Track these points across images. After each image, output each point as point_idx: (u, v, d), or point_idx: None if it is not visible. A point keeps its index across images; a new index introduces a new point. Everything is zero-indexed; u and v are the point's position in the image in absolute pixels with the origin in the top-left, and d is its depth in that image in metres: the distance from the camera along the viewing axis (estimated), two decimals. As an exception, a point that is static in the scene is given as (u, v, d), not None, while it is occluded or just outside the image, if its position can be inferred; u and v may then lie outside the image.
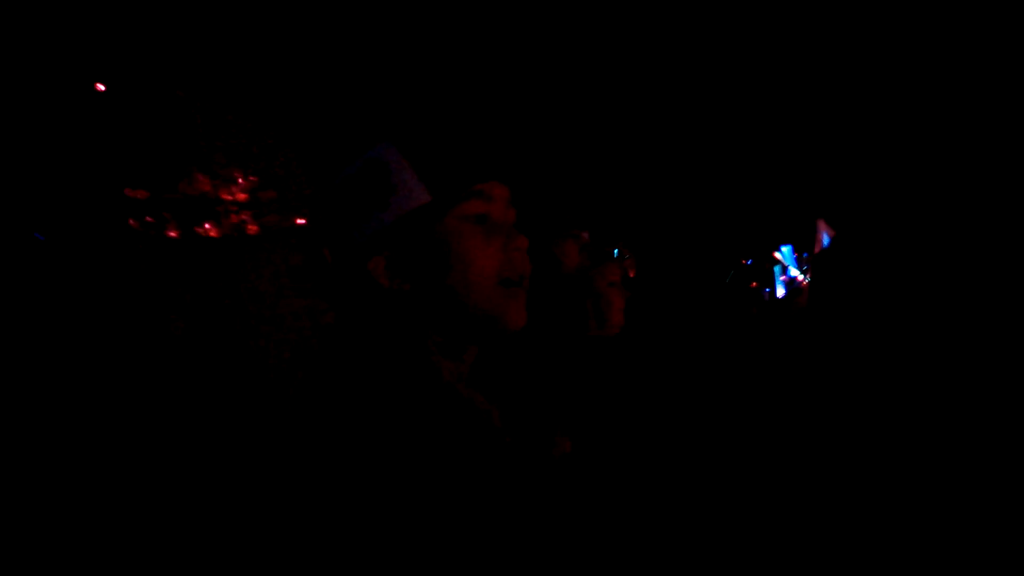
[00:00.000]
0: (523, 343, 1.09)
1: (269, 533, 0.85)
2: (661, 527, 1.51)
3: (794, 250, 6.49)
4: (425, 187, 0.95)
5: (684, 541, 1.54)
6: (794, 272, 6.26)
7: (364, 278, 0.97)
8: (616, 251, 1.98)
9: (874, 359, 1.57)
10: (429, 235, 0.96)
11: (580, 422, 1.17)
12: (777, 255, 6.74)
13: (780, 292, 5.78)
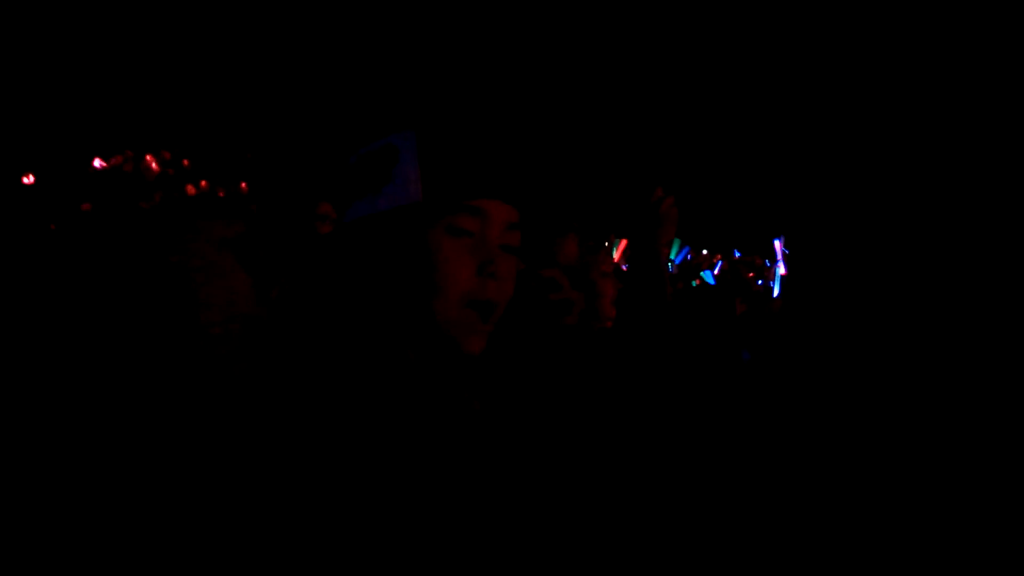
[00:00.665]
0: (515, 336, 1.07)
1: (229, 522, 0.82)
2: (653, 522, 1.50)
3: (783, 244, 6.54)
4: (421, 187, 0.92)
5: (678, 537, 1.54)
6: (780, 268, 6.31)
7: (341, 259, 0.95)
8: (612, 241, 1.97)
9: (850, 355, 1.57)
10: (409, 236, 0.93)
11: (571, 416, 1.15)
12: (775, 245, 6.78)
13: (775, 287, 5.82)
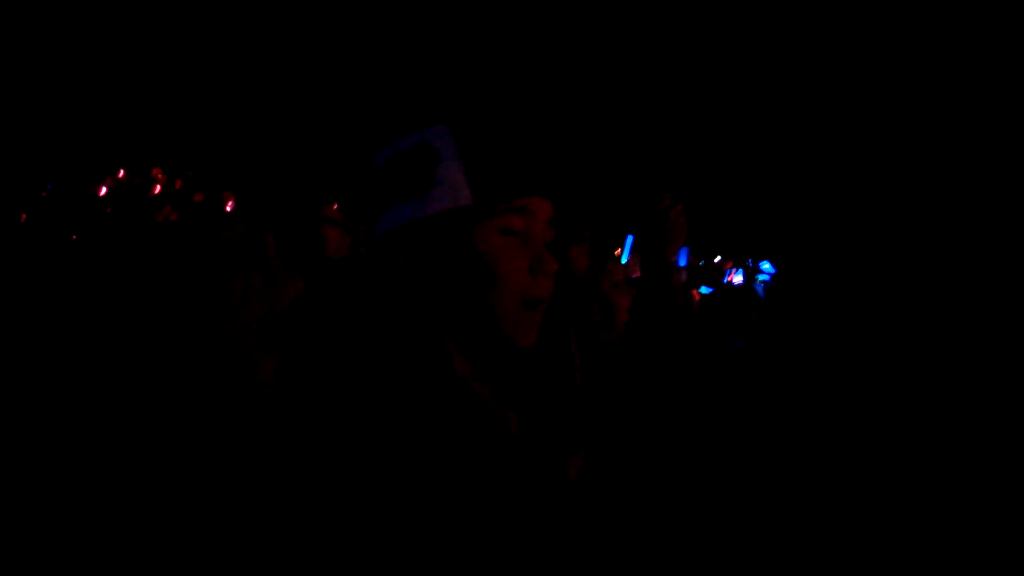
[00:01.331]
0: (535, 351, 1.05)
1: (258, 533, 0.81)
2: (670, 532, 1.49)
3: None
4: (470, 189, 0.91)
5: (696, 545, 1.53)
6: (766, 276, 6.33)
7: (387, 267, 0.94)
8: (625, 248, 1.94)
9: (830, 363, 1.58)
10: (462, 240, 0.92)
11: (594, 430, 1.13)
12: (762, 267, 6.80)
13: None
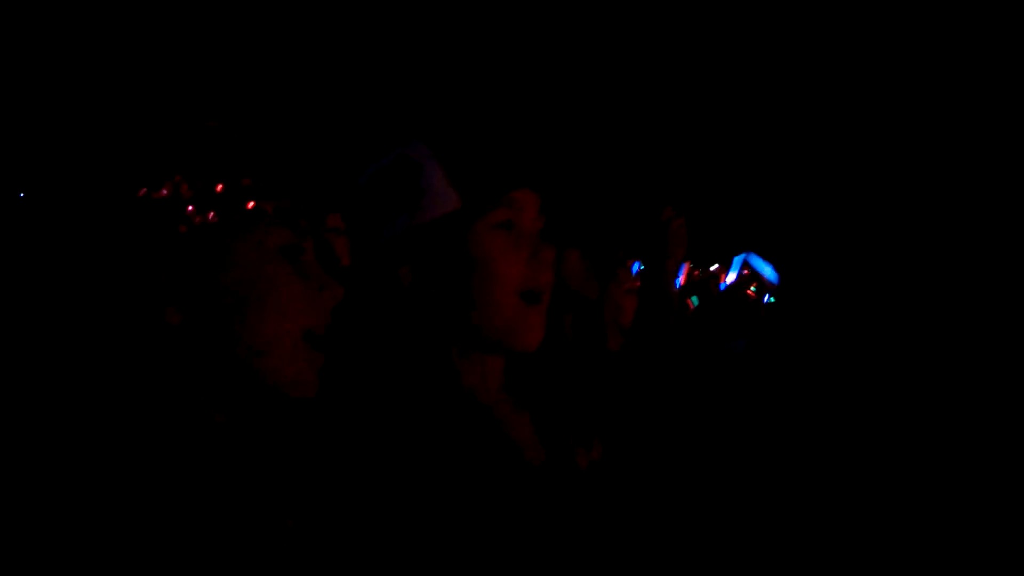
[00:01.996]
0: (545, 357, 1.06)
1: (269, 535, 0.82)
2: (677, 533, 1.50)
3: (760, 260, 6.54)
4: (456, 193, 0.93)
5: (701, 545, 1.54)
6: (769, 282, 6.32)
7: (387, 279, 0.95)
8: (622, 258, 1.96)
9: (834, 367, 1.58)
10: (456, 242, 0.94)
11: (602, 431, 1.15)
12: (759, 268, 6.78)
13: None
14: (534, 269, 0.95)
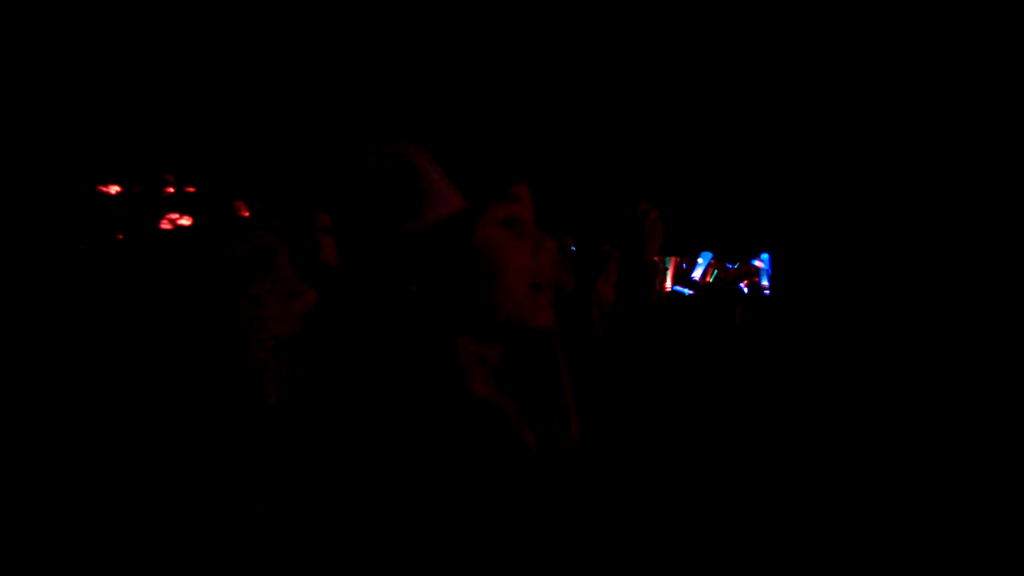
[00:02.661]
0: (543, 349, 1.08)
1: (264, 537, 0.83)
2: (666, 526, 1.50)
3: (771, 259, 6.58)
4: (458, 192, 0.96)
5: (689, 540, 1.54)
6: (765, 281, 6.36)
7: (393, 282, 0.96)
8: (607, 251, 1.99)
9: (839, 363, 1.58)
10: (463, 241, 0.94)
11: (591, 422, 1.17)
12: (758, 262, 6.82)
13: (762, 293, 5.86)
14: (539, 259, 0.97)
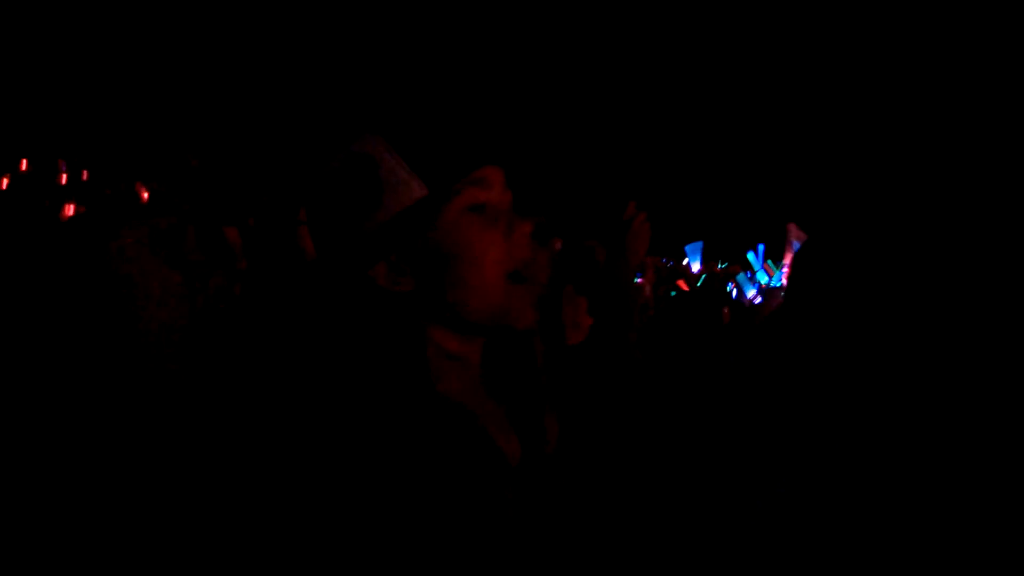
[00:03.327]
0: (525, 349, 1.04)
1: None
2: (654, 528, 1.50)
3: (763, 254, 6.61)
4: (420, 180, 0.90)
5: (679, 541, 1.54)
6: (760, 277, 6.38)
7: (360, 280, 0.91)
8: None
9: (851, 363, 1.57)
10: (429, 231, 0.90)
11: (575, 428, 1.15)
12: (748, 258, 6.84)
13: (751, 295, 5.86)
14: (512, 244, 0.92)
